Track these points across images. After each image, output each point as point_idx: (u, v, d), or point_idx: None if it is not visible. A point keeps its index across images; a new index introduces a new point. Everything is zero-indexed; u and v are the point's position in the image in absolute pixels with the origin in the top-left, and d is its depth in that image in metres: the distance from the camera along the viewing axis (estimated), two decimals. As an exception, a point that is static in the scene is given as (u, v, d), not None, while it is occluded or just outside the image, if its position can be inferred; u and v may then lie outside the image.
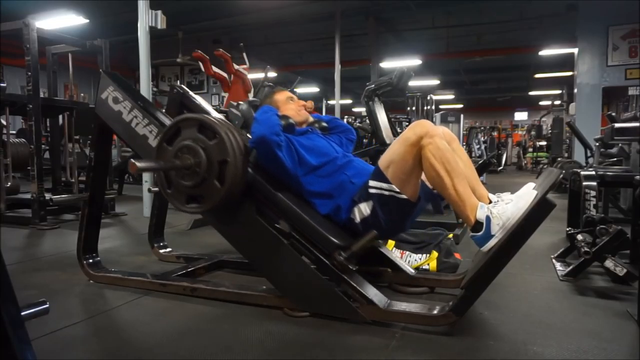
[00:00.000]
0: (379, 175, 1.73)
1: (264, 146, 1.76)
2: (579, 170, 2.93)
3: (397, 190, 1.69)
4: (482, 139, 12.98)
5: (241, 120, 2.46)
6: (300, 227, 1.77)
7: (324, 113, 15.64)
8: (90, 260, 2.25)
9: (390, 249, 2.34)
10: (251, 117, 2.14)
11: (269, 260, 1.83)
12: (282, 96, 2.11)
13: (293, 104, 2.10)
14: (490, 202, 1.62)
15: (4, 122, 3.80)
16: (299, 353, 1.45)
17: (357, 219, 1.77)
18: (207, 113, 2.07)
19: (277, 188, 1.83)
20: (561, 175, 1.60)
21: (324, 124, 2.15)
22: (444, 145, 1.61)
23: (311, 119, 2.15)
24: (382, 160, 1.75)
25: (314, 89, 15.61)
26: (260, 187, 1.83)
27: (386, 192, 1.71)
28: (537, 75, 13.34)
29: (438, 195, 1.79)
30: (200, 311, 1.81)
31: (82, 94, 6.76)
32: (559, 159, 7.46)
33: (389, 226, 1.77)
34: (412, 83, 5.92)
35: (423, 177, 1.73)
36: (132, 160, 1.59)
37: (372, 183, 1.73)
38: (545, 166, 10.16)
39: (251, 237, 1.87)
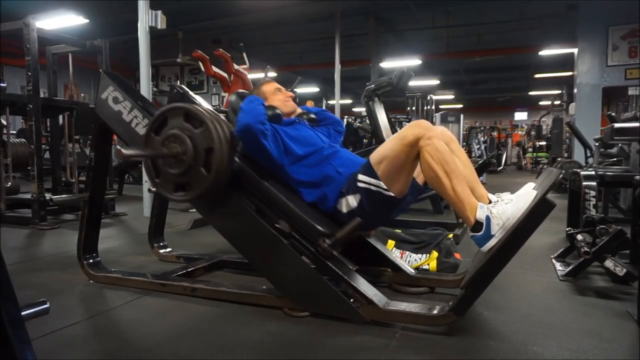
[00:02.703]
0: (369, 170, 1.74)
1: (249, 135, 1.79)
2: (578, 170, 2.93)
3: (385, 187, 1.71)
4: (482, 139, 12.99)
5: None
6: (286, 214, 1.80)
7: (324, 113, 15.62)
8: (90, 260, 2.25)
9: (390, 249, 2.34)
10: (239, 107, 2.16)
11: (269, 260, 1.84)
12: (270, 87, 2.13)
13: (281, 94, 2.12)
14: (490, 202, 1.63)
15: (4, 122, 3.80)
16: (299, 353, 1.45)
17: (344, 210, 1.80)
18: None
19: (264, 177, 1.86)
20: (561, 175, 1.60)
21: (312, 116, 2.17)
22: (442, 146, 1.61)
23: (299, 110, 2.16)
24: (375, 156, 1.76)
25: (314, 89, 15.61)
26: (248, 176, 1.85)
27: (373, 188, 1.73)
28: (537, 75, 13.35)
29: (423, 191, 1.87)
30: (201, 311, 1.81)
31: (82, 94, 6.77)
32: (558, 159, 7.46)
33: (373, 218, 1.82)
34: (412, 83, 5.93)
35: (415, 172, 1.75)
36: (119, 147, 1.62)
37: (361, 177, 1.75)
38: (545, 166, 10.16)
39: (251, 237, 1.87)
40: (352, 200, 1.77)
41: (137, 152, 1.80)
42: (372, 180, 1.72)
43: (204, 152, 1.71)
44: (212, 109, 1.87)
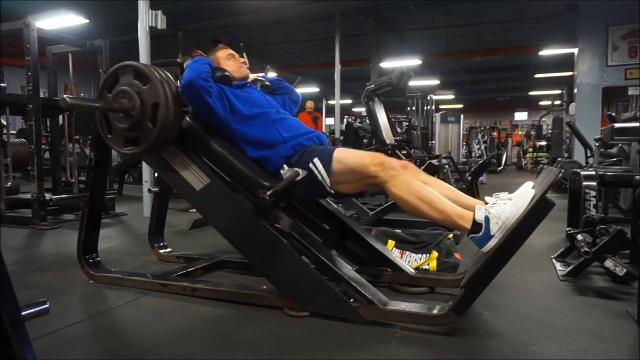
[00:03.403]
0: (327, 162, 1.77)
1: (192, 90, 1.83)
2: (579, 170, 2.93)
3: (329, 185, 1.77)
4: (482, 139, 12.99)
5: None
6: (229, 168, 1.89)
7: (323, 113, 15.66)
8: (91, 260, 2.25)
9: (390, 249, 2.34)
10: None
11: (269, 260, 1.84)
12: (223, 53, 2.19)
13: (233, 60, 2.17)
14: (487, 203, 1.62)
15: (4, 122, 3.80)
16: (299, 353, 1.45)
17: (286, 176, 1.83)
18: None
19: (211, 134, 1.93)
20: (560, 175, 1.59)
21: (267, 83, 2.23)
22: (406, 177, 1.65)
23: (253, 76, 2.22)
24: (339, 155, 1.78)
25: (314, 89, 15.61)
26: (196, 133, 1.94)
27: (319, 178, 1.77)
28: (537, 75, 13.35)
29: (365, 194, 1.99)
30: (201, 311, 1.81)
31: (82, 94, 6.77)
32: (559, 159, 7.45)
33: (305, 195, 1.92)
34: (412, 83, 5.93)
35: None
36: (65, 96, 1.66)
37: (316, 161, 1.78)
38: (545, 166, 10.15)
39: (250, 236, 1.87)
40: (300, 173, 1.80)
41: (83, 102, 1.89)
42: (323, 172, 1.77)
43: (151, 108, 1.81)
44: (162, 70, 1.92)
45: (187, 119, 1.95)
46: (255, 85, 2.18)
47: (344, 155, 1.78)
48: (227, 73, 2.04)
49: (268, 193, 1.74)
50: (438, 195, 1.64)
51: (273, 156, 1.87)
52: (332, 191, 1.79)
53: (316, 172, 1.77)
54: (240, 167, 1.87)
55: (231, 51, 2.22)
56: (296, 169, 1.79)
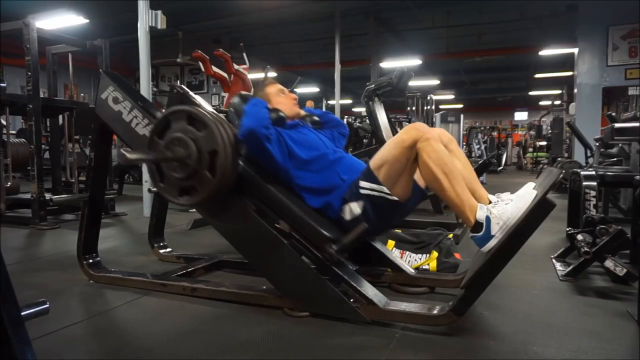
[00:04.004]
0: (370, 176, 1.73)
1: (253, 139, 1.78)
2: (579, 170, 2.93)
3: (387, 192, 1.70)
4: (482, 139, 12.99)
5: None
6: (291, 220, 1.77)
7: (324, 113, 15.61)
8: (90, 260, 2.25)
9: (390, 249, 2.34)
10: (242, 110, 2.15)
11: (269, 260, 1.84)
12: (273, 89, 2.11)
13: (284, 97, 2.10)
14: (490, 202, 1.62)
15: (4, 122, 3.80)
16: (299, 353, 1.45)
17: (347, 217, 1.78)
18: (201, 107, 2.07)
19: (268, 180, 1.84)
20: (561, 175, 1.59)
21: (316, 118, 2.15)
22: (440, 147, 1.62)
23: (302, 113, 2.15)
24: (374, 161, 1.75)
25: (314, 89, 15.61)
26: (252, 179, 1.83)
27: (376, 194, 1.71)
28: (537, 75, 13.34)
29: (425, 194, 1.85)
30: (201, 311, 1.81)
31: (82, 94, 6.77)
32: (559, 159, 7.46)
33: (377, 224, 1.80)
34: (412, 83, 5.93)
35: (416, 176, 1.75)
36: (123, 150, 1.60)
37: (363, 184, 1.74)
38: (545, 166, 10.15)
39: (251, 237, 1.87)
40: (355, 208, 1.75)
41: (141, 156, 1.79)
42: (375, 186, 1.71)
43: (208, 155, 1.69)
44: (212, 110, 1.87)
45: (241, 163, 1.83)
46: (306, 122, 2.11)
47: (378, 158, 1.73)
48: (282, 114, 1.96)
49: (336, 248, 1.68)
50: (461, 178, 1.61)
51: (335, 201, 1.81)
52: (396, 198, 1.70)
53: (369, 192, 1.72)
54: (302, 216, 1.76)
55: (280, 86, 2.14)
56: (359, 217, 1.73)
